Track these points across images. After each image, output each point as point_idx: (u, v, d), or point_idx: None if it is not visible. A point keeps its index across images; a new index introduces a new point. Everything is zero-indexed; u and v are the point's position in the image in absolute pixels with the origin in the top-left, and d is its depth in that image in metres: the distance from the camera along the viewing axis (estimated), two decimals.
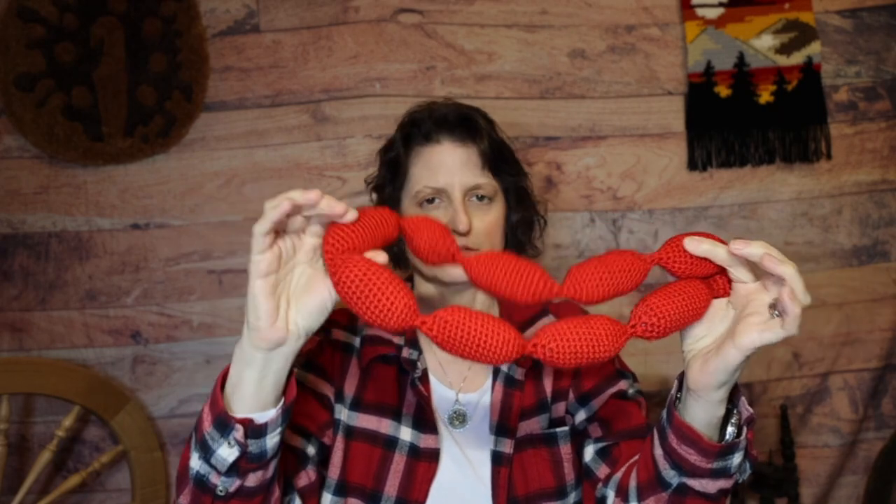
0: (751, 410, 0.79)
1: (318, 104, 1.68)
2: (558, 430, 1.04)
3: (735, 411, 0.79)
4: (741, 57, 1.73)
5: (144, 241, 1.65)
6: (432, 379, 1.06)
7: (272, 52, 1.68)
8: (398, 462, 1.00)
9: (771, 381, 1.77)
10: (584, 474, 1.01)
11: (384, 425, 1.02)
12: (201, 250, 1.66)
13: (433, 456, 1.01)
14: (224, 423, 0.73)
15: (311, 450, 0.97)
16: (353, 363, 1.06)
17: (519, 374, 1.05)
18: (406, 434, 1.02)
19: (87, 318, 1.64)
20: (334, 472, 1.01)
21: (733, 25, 1.74)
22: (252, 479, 0.78)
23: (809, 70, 1.74)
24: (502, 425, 1.02)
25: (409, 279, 1.17)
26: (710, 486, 0.79)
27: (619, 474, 0.93)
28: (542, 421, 1.04)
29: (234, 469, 0.75)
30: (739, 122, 1.74)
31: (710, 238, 0.74)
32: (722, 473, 0.78)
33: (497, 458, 1.01)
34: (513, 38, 1.73)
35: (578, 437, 1.04)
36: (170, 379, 1.65)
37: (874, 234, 1.79)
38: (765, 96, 1.74)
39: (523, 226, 1.11)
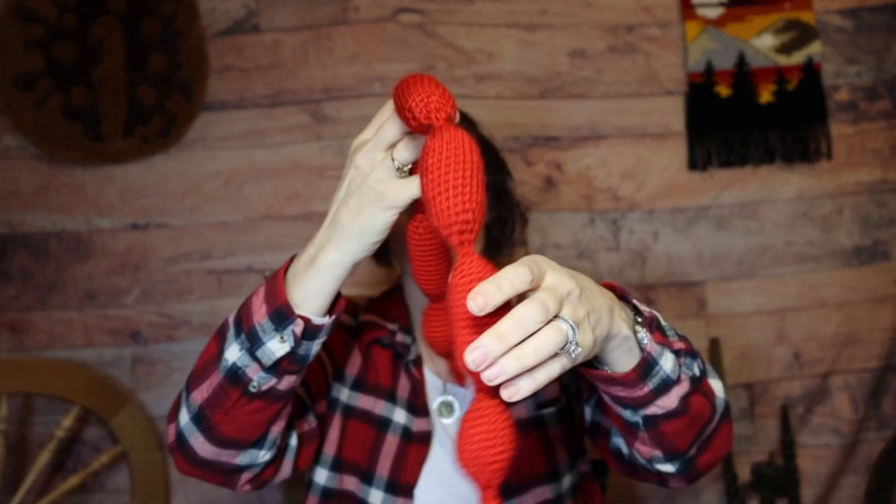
0: (649, 311, 0.74)
1: (318, 104, 1.68)
2: (545, 411, 1.05)
3: (639, 326, 0.72)
4: (741, 57, 1.73)
5: (144, 241, 1.65)
6: (424, 368, 1.09)
7: (272, 51, 1.67)
8: (391, 443, 1.02)
9: (771, 381, 1.77)
10: (593, 433, 1.00)
11: (379, 406, 1.05)
12: (201, 250, 1.66)
13: (425, 439, 1.03)
14: (284, 317, 0.74)
15: (309, 402, 1.00)
16: (356, 346, 1.10)
17: None
18: (400, 416, 1.04)
19: (87, 318, 1.63)
20: (330, 448, 1.04)
21: (734, 25, 1.74)
22: (285, 383, 0.79)
23: (810, 70, 1.74)
24: None
25: (398, 282, 1.19)
26: (666, 402, 0.73)
27: None
28: (529, 405, 1.05)
29: (276, 367, 0.76)
30: (740, 122, 1.74)
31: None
32: (664, 386, 0.72)
33: None
34: (513, 38, 1.72)
35: (580, 406, 1.05)
36: (170, 379, 1.65)
37: (875, 234, 1.79)
38: (765, 96, 1.74)
39: (498, 223, 1.13)
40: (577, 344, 0.56)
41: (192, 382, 0.81)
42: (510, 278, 0.55)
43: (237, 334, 0.77)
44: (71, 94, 1.60)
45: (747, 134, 1.75)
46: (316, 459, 1.06)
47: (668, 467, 0.81)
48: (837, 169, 1.77)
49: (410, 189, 0.69)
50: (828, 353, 1.77)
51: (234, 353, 0.77)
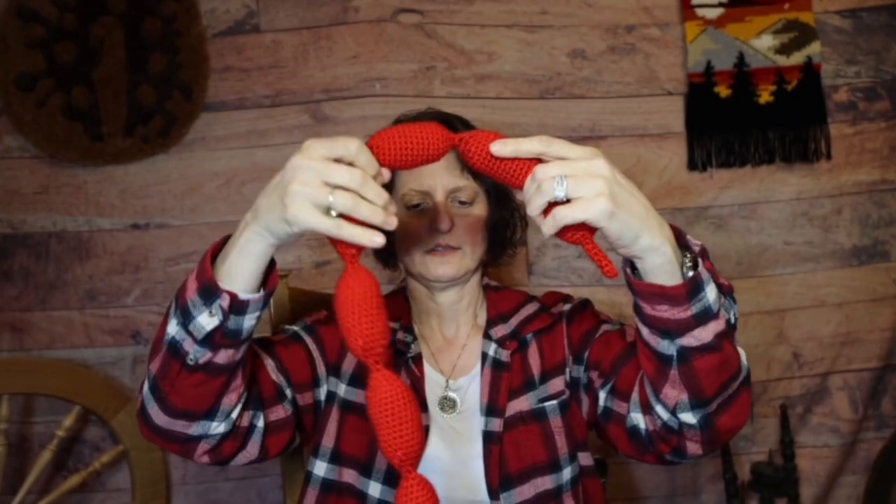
0: (699, 243, 0.78)
1: (318, 104, 1.68)
2: (546, 404, 1.07)
3: (687, 254, 0.77)
4: (741, 57, 1.73)
5: (144, 241, 1.65)
6: (425, 364, 1.12)
7: (272, 52, 1.68)
8: None
9: (771, 381, 1.77)
10: (605, 419, 1.01)
11: None
12: (201, 250, 1.64)
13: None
14: (210, 292, 0.79)
15: (288, 392, 1.02)
16: None
17: (505, 356, 1.10)
18: None
19: (87, 318, 1.64)
20: (329, 441, 1.06)
21: (733, 25, 1.74)
22: (222, 357, 0.82)
23: (809, 70, 1.74)
24: (491, 407, 1.06)
25: (402, 283, 1.21)
26: (703, 334, 0.77)
27: (634, 394, 0.93)
28: (531, 398, 1.08)
29: (209, 340, 0.80)
30: (739, 122, 1.74)
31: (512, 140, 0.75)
32: (705, 315, 0.76)
33: (488, 438, 1.05)
34: (513, 38, 1.73)
35: (590, 396, 1.06)
36: None
37: (874, 234, 1.79)
38: (765, 96, 1.74)
39: (500, 225, 1.17)
40: (565, 190, 0.70)
41: (151, 354, 0.86)
42: (524, 142, 0.72)
43: (175, 310, 0.83)
44: (71, 95, 1.60)
45: (747, 134, 1.75)
46: (315, 452, 1.08)
47: (689, 417, 0.84)
48: (837, 169, 1.77)
49: (317, 222, 0.73)
50: (827, 352, 1.77)
51: (173, 327, 0.82)
